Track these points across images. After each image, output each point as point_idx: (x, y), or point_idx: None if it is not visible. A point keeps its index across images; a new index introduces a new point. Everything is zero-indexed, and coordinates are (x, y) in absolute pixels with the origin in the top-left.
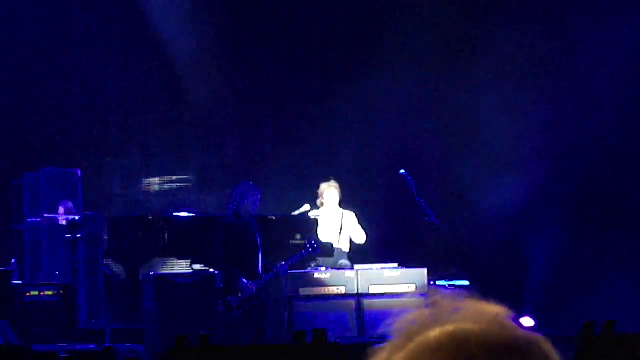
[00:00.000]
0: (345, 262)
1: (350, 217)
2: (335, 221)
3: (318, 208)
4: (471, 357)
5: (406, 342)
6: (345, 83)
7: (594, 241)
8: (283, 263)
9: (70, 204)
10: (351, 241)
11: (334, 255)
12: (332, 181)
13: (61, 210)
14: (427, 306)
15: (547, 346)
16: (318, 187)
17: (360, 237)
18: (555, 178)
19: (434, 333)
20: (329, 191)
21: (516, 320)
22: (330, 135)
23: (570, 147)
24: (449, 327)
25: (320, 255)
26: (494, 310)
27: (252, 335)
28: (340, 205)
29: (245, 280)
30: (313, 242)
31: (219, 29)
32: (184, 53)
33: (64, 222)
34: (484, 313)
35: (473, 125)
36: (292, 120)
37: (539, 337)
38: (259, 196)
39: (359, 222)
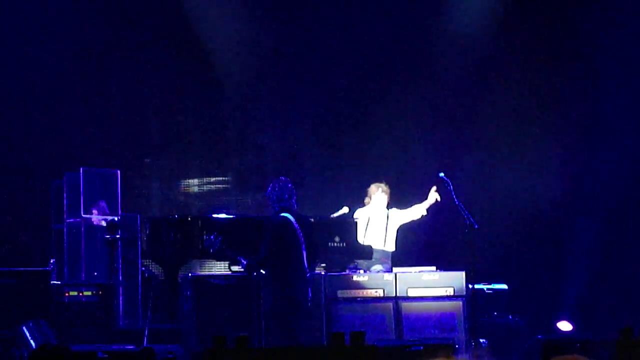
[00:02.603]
0: (379, 267)
1: (394, 213)
2: (380, 222)
3: (364, 206)
4: None
5: None
6: (387, 86)
7: (632, 245)
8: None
9: (103, 204)
10: (397, 241)
11: (376, 258)
12: (383, 184)
13: (95, 211)
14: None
15: None
16: (368, 186)
17: (415, 213)
18: (594, 183)
19: None
20: (378, 194)
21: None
22: (370, 137)
23: (609, 152)
24: None
25: (359, 257)
26: None
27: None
28: (387, 207)
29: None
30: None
31: (258, 30)
32: (223, 55)
33: (103, 223)
34: None
35: (513, 129)
36: (332, 122)
37: None
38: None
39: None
